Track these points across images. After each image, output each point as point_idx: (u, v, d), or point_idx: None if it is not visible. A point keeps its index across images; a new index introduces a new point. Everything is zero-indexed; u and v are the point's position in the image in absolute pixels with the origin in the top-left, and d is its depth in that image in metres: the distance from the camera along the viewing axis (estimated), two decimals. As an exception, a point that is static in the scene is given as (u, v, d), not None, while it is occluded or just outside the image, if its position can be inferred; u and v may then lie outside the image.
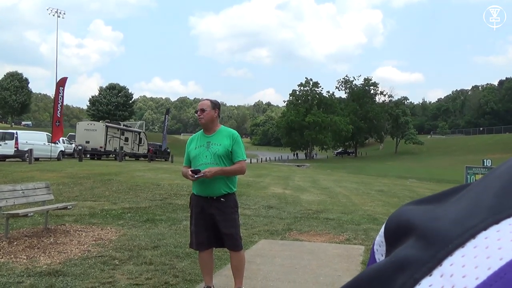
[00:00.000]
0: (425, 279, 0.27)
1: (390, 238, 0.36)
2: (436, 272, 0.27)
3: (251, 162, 44.98)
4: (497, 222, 0.27)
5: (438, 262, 0.27)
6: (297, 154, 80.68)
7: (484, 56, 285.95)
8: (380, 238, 0.39)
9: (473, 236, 0.27)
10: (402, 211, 0.36)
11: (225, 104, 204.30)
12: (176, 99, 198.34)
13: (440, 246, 0.28)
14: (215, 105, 4.08)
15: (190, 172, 3.84)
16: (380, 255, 0.39)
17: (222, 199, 3.91)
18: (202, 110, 4.00)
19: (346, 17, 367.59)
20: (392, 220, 0.36)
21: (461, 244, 0.27)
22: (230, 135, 4.02)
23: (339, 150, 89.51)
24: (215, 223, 3.91)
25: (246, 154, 4.17)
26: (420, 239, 0.30)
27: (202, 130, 4.13)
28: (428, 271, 0.27)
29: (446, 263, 0.27)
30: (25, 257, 5.26)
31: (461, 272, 0.26)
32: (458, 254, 0.27)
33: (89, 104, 76.76)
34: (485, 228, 0.27)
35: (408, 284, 0.27)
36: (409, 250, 0.30)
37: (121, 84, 77.85)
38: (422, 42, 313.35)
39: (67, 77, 26.03)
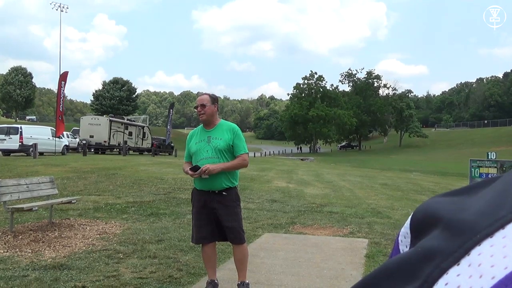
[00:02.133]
0: (452, 268, 0.27)
1: (416, 230, 0.36)
2: (464, 262, 0.27)
3: (254, 156, 44.98)
4: None
5: (465, 251, 0.27)
6: (301, 147, 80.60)
7: (489, 48, 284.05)
8: (405, 229, 0.39)
9: (502, 226, 0.27)
10: (429, 203, 0.36)
11: (229, 98, 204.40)
12: (179, 93, 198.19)
13: (468, 236, 0.28)
14: (214, 99, 4.06)
15: (189, 171, 3.82)
16: (404, 247, 0.39)
17: (224, 193, 3.90)
18: (203, 106, 3.97)
19: (349, 10, 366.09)
20: (418, 212, 0.36)
21: (490, 234, 0.27)
22: (231, 129, 4.00)
23: (343, 143, 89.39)
24: (218, 217, 3.91)
25: (248, 147, 4.15)
26: (447, 229, 0.30)
27: (202, 125, 4.11)
28: (455, 261, 0.27)
29: (474, 252, 0.27)
30: (30, 251, 5.29)
31: (489, 262, 0.26)
32: (486, 244, 0.27)
33: (92, 99, 76.86)
34: None
35: (435, 273, 0.27)
36: (435, 241, 0.30)
37: (125, 78, 77.93)
38: (426, 34, 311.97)
39: (68, 71, 26.05)
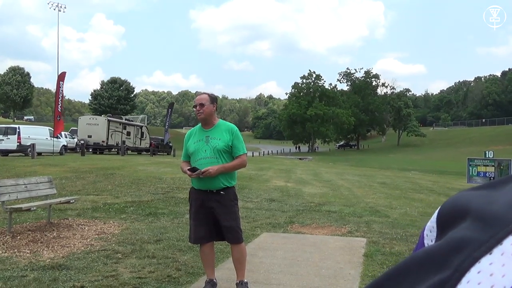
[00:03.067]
0: (485, 257, 0.27)
1: (443, 223, 0.36)
2: (496, 251, 0.27)
3: (253, 155, 45.00)
4: None
5: (498, 241, 0.28)
6: (299, 147, 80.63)
7: (487, 47, 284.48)
8: (431, 223, 0.39)
9: None
10: (457, 197, 0.36)
11: (227, 97, 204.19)
12: (177, 93, 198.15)
13: (500, 227, 0.28)
14: (213, 99, 4.06)
15: (188, 171, 3.83)
16: (429, 241, 0.39)
17: (221, 192, 3.91)
18: (202, 105, 3.96)
19: (347, 9, 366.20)
20: (446, 205, 0.36)
21: None
22: (229, 129, 4.00)
23: (341, 142, 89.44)
24: (215, 216, 3.91)
25: (246, 147, 4.16)
26: (477, 221, 0.30)
27: (200, 124, 4.11)
28: (488, 250, 0.28)
29: (507, 242, 0.27)
30: (28, 251, 5.29)
31: None
32: None
33: (91, 98, 76.81)
34: None
35: (467, 263, 0.28)
36: (465, 232, 0.30)
37: (123, 78, 77.88)
38: (424, 33, 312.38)
39: (65, 72, 26.00)
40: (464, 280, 0.27)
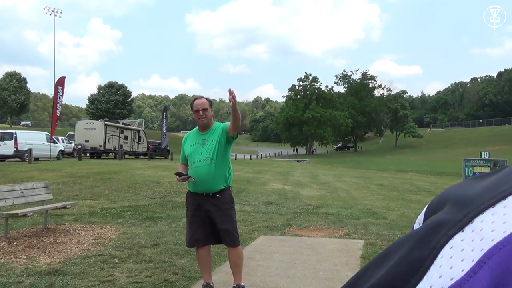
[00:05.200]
0: (457, 234, 0.30)
1: (429, 215, 0.38)
2: (468, 228, 0.30)
3: (251, 158, 45.00)
4: None
5: (469, 219, 0.31)
6: (297, 149, 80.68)
7: (482, 48, 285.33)
8: (420, 216, 0.42)
9: (503, 197, 0.31)
10: (444, 190, 0.39)
11: (224, 100, 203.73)
12: (174, 96, 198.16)
13: (472, 207, 0.32)
14: (212, 103, 4.12)
15: (176, 176, 3.93)
16: None
17: (218, 195, 3.92)
18: (205, 110, 4.00)
19: (342, 12, 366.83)
20: (434, 199, 0.39)
21: (492, 204, 0.31)
22: (222, 127, 4.06)
23: (339, 144, 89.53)
24: (212, 219, 3.92)
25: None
26: (454, 205, 0.34)
27: (196, 127, 4.14)
28: (460, 228, 0.31)
29: (477, 220, 0.30)
30: (25, 257, 5.27)
31: (490, 227, 0.29)
32: (488, 213, 0.31)
33: (88, 103, 76.67)
34: None
35: (442, 241, 0.31)
36: (443, 215, 0.34)
37: (120, 82, 77.78)
38: (420, 35, 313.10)
39: (65, 77, 25.98)
40: (439, 255, 0.30)
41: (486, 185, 0.34)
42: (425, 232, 0.32)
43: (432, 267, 0.30)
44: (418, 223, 0.42)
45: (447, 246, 0.30)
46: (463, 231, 0.30)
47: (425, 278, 0.30)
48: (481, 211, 0.31)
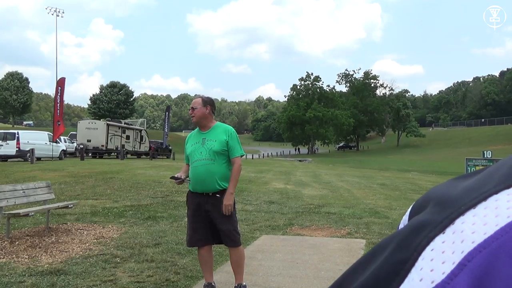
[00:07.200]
0: (438, 236, 0.30)
1: (414, 215, 0.38)
2: (449, 230, 0.30)
3: (252, 157, 44.98)
4: (508, 187, 0.31)
5: (450, 221, 0.31)
6: (299, 149, 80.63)
7: (485, 47, 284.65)
8: (405, 217, 0.41)
9: (484, 199, 0.31)
10: (428, 191, 0.38)
11: (226, 100, 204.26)
12: (176, 96, 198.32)
13: (453, 208, 0.31)
14: (206, 102, 4.07)
15: (172, 180, 4.01)
16: None
17: (218, 195, 3.90)
18: (193, 108, 4.03)
19: (344, 12, 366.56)
20: (419, 199, 0.39)
21: (473, 205, 0.31)
22: (226, 130, 4.02)
23: (341, 144, 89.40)
24: (212, 219, 3.91)
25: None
26: (436, 206, 0.33)
27: (198, 127, 4.14)
28: (441, 230, 0.30)
29: (458, 221, 0.30)
30: (26, 257, 5.28)
31: (471, 229, 0.29)
32: (469, 214, 0.30)
33: (90, 103, 76.81)
34: (496, 192, 0.31)
35: (424, 242, 0.30)
36: (425, 215, 0.33)
37: (122, 82, 77.91)
38: (421, 35, 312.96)
39: (65, 78, 26.04)
40: (420, 258, 0.30)
41: (468, 185, 0.34)
42: (407, 233, 0.32)
43: (413, 270, 0.30)
44: (403, 223, 0.41)
45: (428, 248, 0.30)
46: (444, 232, 0.30)
47: (406, 280, 0.30)
48: (462, 212, 0.31)
